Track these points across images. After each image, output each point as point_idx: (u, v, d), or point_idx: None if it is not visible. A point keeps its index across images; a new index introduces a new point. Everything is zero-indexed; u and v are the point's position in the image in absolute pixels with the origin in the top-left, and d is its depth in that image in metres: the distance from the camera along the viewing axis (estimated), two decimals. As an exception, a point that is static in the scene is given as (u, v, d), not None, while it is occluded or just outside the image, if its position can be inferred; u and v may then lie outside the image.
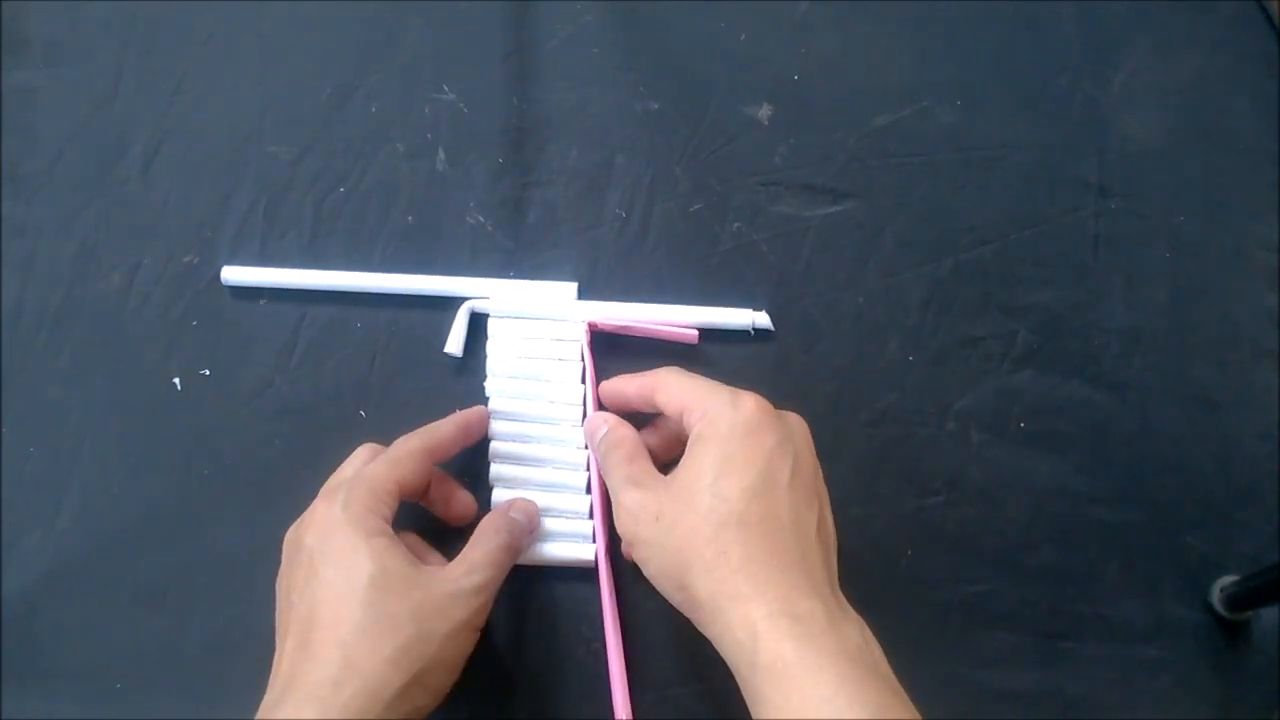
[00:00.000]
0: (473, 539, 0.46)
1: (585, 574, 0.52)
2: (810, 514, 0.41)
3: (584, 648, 0.52)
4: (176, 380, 0.57)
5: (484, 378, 0.56)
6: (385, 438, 0.50)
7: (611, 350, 0.56)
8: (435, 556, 0.49)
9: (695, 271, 0.58)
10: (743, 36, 0.64)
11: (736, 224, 0.60)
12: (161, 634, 0.53)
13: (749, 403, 0.42)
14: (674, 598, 0.41)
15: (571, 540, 0.52)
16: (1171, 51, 0.65)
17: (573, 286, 0.57)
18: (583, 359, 0.55)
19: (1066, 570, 0.54)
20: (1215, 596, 0.54)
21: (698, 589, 0.39)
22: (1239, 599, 0.53)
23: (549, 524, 0.52)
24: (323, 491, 0.47)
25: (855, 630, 0.38)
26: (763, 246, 0.59)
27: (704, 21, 0.64)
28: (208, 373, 0.57)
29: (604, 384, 0.51)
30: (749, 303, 0.58)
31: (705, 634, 0.40)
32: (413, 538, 0.49)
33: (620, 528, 0.44)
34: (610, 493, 0.46)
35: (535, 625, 0.52)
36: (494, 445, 0.54)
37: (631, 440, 0.47)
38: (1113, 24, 0.65)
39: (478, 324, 0.57)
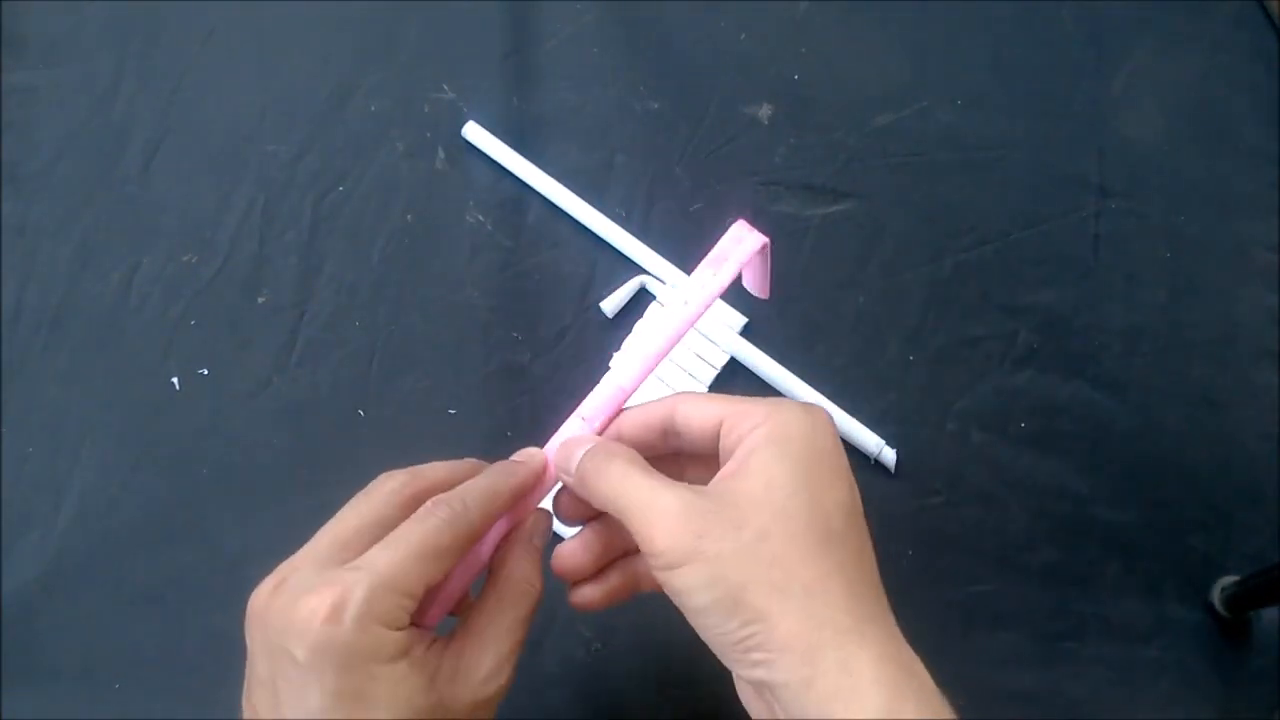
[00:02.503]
0: (478, 610, 0.36)
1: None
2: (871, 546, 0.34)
3: (584, 648, 0.51)
4: (175, 380, 0.57)
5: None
6: (384, 437, 0.50)
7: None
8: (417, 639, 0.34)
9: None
10: (743, 36, 0.64)
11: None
12: (160, 634, 0.53)
13: (822, 414, 0.34)
14: (734, 636, 0.31)
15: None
16: (1172, 51, 0.65)
17: (741, 319, 0.58)
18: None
19: (1067, 570, 0.54)
20: (1216, 597, 0.54)
21: (784, 625, 0.30)
22: (1240, 599, 0.53)
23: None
24: (313, 556, 0.34)
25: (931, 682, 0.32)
26: (763, 246, 0.59)
27: (704, 21, 0.64)
28: (206, 372, 0.57)
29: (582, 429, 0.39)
30: (748, 302, 0.58)
31: (775, 685, 0.31)
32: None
33: (665, 544, 0.32)
34: (626, 503, 0.33)
35: (535, 625, 0.52)
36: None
37: (632, 451, 0.36)
38: (1113, 24, 0.65)
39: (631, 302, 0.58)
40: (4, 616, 0.53)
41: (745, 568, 0.31)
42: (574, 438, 0.37)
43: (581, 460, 0.35)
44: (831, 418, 0.35)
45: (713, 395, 0.37)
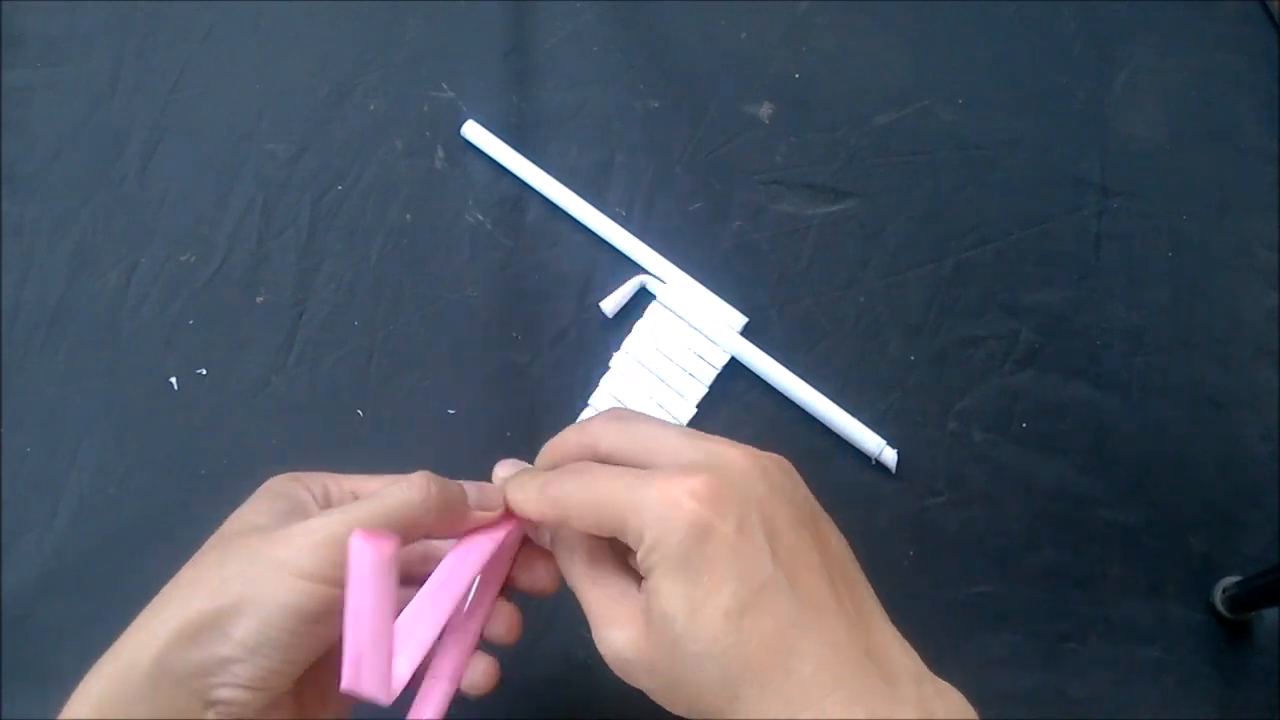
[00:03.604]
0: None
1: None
2: (838, 561, 0.33)
3: (584, 648, 0.51)
4: (173, 379, 0.57)
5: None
6: (383, 437, 0.50)
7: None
8: None
9: (696, 271, 0.58)
10: (743, 35, 0.64)
11: (737, 223, 0.60)
12: (159, 635, 0.53)
13: (691, 484, 0.30)
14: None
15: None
16: (1172, 51, 0.65)
17: (741, 319, 0.57)
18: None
19: (1069, 571, 0.54)
20: (1218, 597, 0.54)
21: (754, 716, 0.29)
22: (1241, 600, 0.53)
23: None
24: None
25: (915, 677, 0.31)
26: (764, 246, 0.59)
27: (704, 20, 0.64)
28: (205, 372, 0.57)
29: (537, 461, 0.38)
30: (748, 302, 0.58)
31: None
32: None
33: (612, 663, 0.32)
34: (581, 600, 0.34)
35: (535, 625, 0.52)
36: (585, 415, 0.54)
37: (585, 539, 0.35)
38: (1114, 23, 0.65)
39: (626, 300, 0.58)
40: (3, 616, 0.53)
41: (676, 701, 0.31)
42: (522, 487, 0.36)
43: (553, 540, 0.37)
44: (723, 474, 0.31)
45: (609, 473, 0.33)
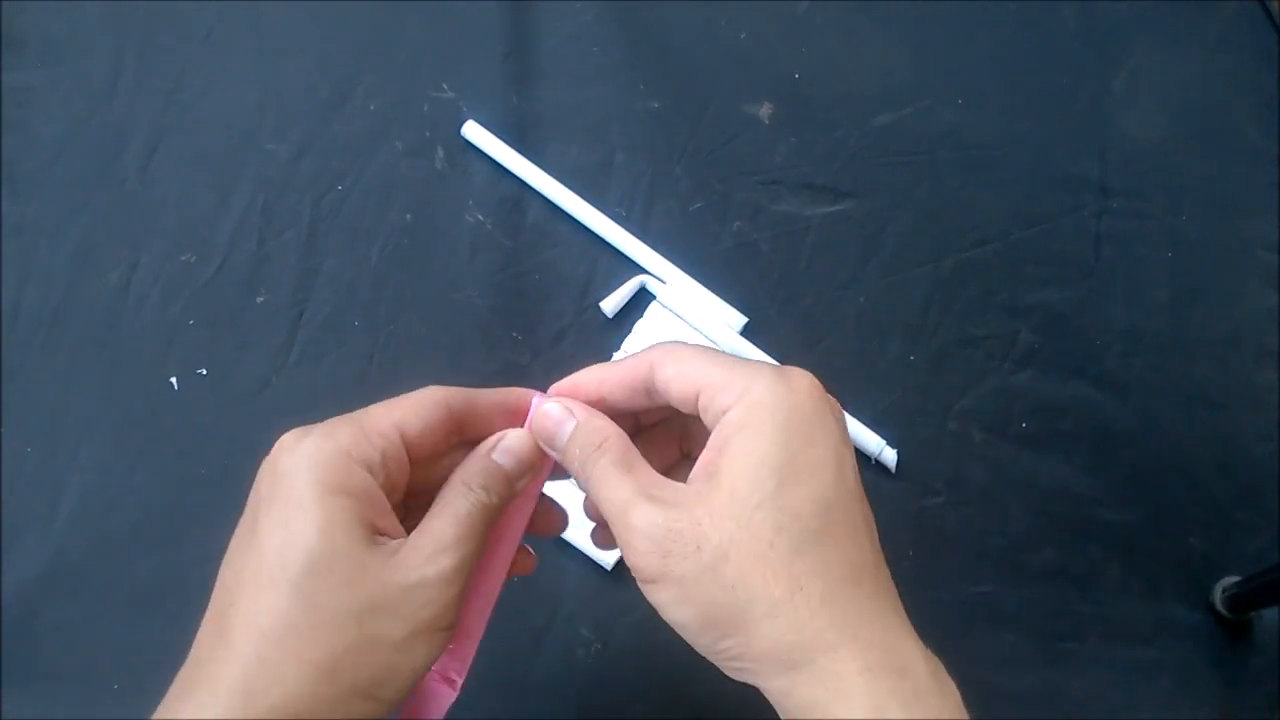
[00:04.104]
0: (439, 499, 0.34)
1: (589, 573, 0.52)
2: (872, 522, 0.32)
3: (584, 648, 0.51)
4: (174, 379, 0.57)
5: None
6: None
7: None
8: (390, 520, 0.33)
9: (696, 271, 0.58)
10: (743, 35, 0.64)
11: (737, 223, 0.60)
12: (159, 634, 0.53)
13: (803, 380, 0.32)
14: (714, 648, 0.31)
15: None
16: (1172, 51, 0.65)
17: (741, 319, 0.57)
18: None
19: (1068, 571, 0.54)
20: (1217, 597, 0.54)
21: (759, 638, 0.29)
22: (1241, 600, 0.53)
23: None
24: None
25: (948, 680, 0.31)
26: (763, 246, 0.59)
27: (704, 20, 0.64)
28: (205, 372, 0.57)
29: (565, 381, 0.37)
30: (748, 302, 0.58)
31: (762, 689, 0.31)
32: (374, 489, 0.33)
33: (636, 561, 0.31)
34: (606, 511, 0.33)
35: (535, 625, 0.52)
36: None
37: (619, 436, 0.34)
38: (1113, 24, 0.65)
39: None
40: (4, 616, 0.53)
41: (708, 590, 0.30)
42: (553, 403, 0.35)
43: (568, 446, 0.34)
44: (817, 383, 0.32)
45: (695, 351, 0.34)
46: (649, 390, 0.34)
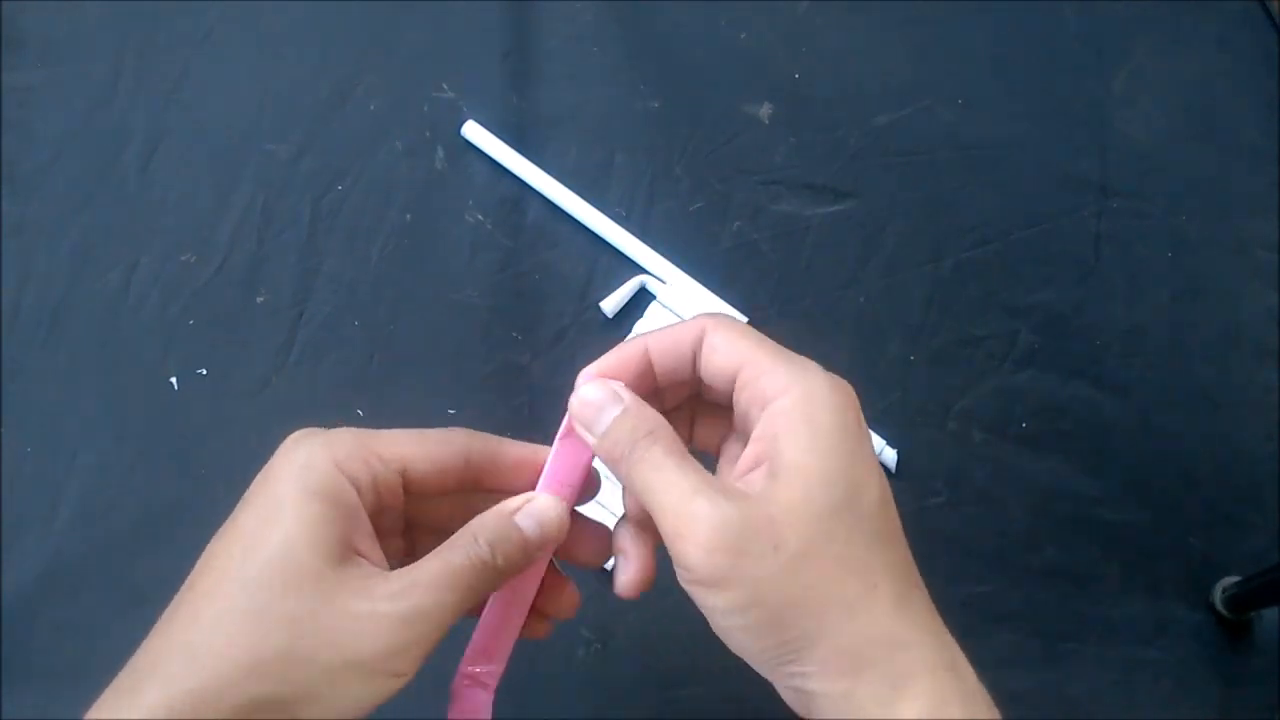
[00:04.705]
0: (447, 541, 0.32)
1: (589, 572, 0.52)
2: None
3: (584, 648, 0.51)
4: (174, 379, 0.57)
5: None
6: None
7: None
8: (369, 544, 0.32)
9: (696, 271, 0.58)
10: (743, 35, 0.64)
11: (737, 223, 0.60)
12: (159, 634, 0.53)
13: (847, 384, 0.31)
14: (777, 654, 0.29)
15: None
16: (1172, 51, 0.65)
17: (741, 319, 0.57)
18: None
19: (1068, 571, 0.54)
20: (1217, 597, 0.54)
21: (833, 638, 0.28)
22: (1241, 600, 0.53)
23: (601, 514, 0.43)
24: None
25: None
26: (763, 246, 0.59)
27: (704, 20, 0.64)
28: (205, 372, 0.57)
29: (601, 361, 0.33)
30: (748, 302, 0.58)
31: (815, 693, 0.29)
32: (355, 506, 0.32)
33: (698, 560, 0.28)
34: (660, 502, 0.30)
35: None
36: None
37: (669, 428, 0.31)
38: (1114, 24, 0.65)
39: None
40: (4, 616, 0.53)
41: (785, 591, 0.28)
42: (597, 384, 0.32)
43: (610, 430, 0.31)
44: (853, 390, 0.32)
45: (743, 329, 0.32)
46: (695, 356, 0.32)
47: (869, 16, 0.64)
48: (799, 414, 0.30)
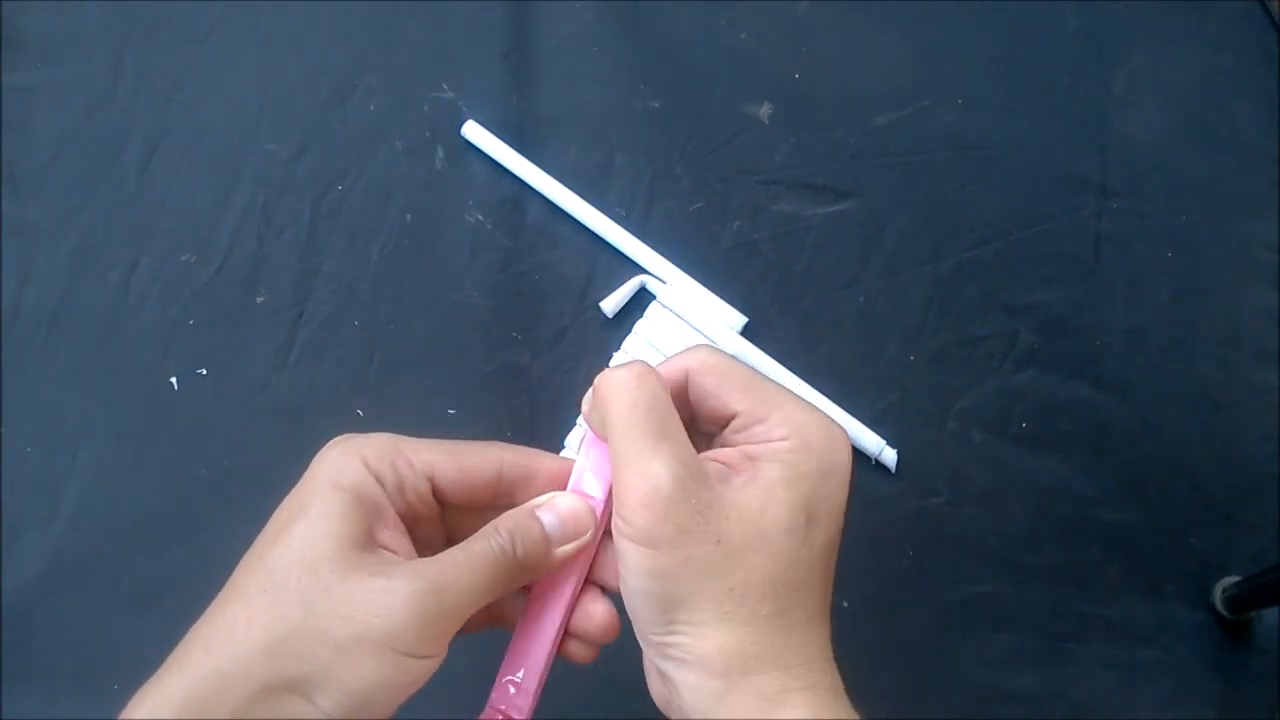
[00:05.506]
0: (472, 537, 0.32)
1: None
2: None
3: (584, 648, 0.51)
4: (174, 379, 0.57)
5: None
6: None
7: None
8: (396, 538, 0.32)
9: (696, 271, 0.58)
10: (743, 35, 0.64)
11: (737, 223, 0.60)
12: (159, 634, 0.52)
13: (845, 441, 0.32)
14: (655, 625, 0.30)
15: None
16: (1172, 51, 0.65)
17: (741, 319, 0.57)
18: None
19: (1068, 571, 0.54)
20: (1217, 597, 0.54)
21: (714, 640, 0.29)
22: (1241, 600, 0.53)
23: None
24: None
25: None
26: (763, 246, 0.59)
27: (704, 20, 0.64)
28: (205, 372, 0.57)
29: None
30: (748, 302, 0.58)
31: (679, 683, 0.30)
32: (380, 500, 0.33)
33: (640, 519, 0.29)
34: (617, 451, 0.31)
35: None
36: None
37: (657, 386, 0.31)
38: (1114, 24, 0.65)
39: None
40: (4, 616, 0.53)
41: (705, 582, 0.29)
42: (625, 368, 0.32)
43: (624, 386, 0.31)
44: (848, 436, 0.32)
45: (730, 369, 0.32)
46: (680, 393, 0.33)
47: (869, 16, 0.64)
48: (789, 457, 0.31)
